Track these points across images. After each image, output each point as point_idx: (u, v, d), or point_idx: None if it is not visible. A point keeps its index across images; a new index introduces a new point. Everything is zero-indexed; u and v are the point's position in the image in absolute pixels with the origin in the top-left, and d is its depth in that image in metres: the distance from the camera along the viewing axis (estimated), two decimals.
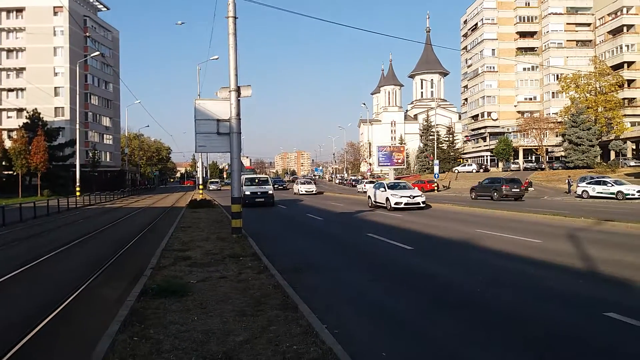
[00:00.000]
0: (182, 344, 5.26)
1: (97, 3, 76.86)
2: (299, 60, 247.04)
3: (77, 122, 47.37)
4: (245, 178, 33.46)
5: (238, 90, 13.90)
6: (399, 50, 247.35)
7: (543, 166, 65.92)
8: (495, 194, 34.24)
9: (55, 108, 64.94)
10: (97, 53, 60.46)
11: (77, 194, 40.60)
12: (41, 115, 53.50)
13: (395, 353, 5.34)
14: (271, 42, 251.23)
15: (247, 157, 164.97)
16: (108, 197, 45.43)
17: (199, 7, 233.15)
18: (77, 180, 44.29)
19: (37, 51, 65.27)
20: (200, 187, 38.97)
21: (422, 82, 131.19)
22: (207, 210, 25.34)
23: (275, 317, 6.10)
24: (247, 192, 30.16)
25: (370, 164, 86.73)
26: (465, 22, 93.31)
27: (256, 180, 33.99)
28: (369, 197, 29.12)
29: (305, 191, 50.43)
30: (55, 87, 65.88)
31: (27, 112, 54.64)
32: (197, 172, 53.60)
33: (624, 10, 71.85)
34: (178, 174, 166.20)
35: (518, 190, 34.09)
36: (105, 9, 79.52)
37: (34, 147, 46.81)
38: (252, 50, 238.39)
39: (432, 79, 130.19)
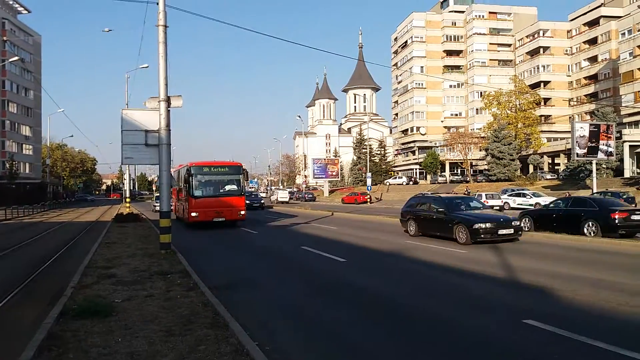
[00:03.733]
0: None
1: (17, 5, 72.48)
2: (234, 71, 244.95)
3: None
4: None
5: (168, 100, 13.54)
6: (333, 64, 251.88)
7: (468, 179, 68.93)
8: None
9: None
10: (16, 58, 56.87)
11: None
12: None
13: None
14: (205, 51, 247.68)
15: (172, 172, 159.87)
16: (27, 211, 42.67)
17: (129, 14, 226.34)
18: None
19: None
20: (127, 200, 37.31)
21: (355, 97, 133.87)
22: (134, 225, 24.36)
23: (205, 336, 5.93)
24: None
25: (305, 176, 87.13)
26: (395, 39, 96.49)
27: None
28: None
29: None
30: None
31: None
32: (124, 184, 51.37)
33: (541, 32, 77.19)
34: (104, 186, 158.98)
35: None
36: (26, 11, 75.19)
37: None
38: (184, 59, 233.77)
39: (364, 94, 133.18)
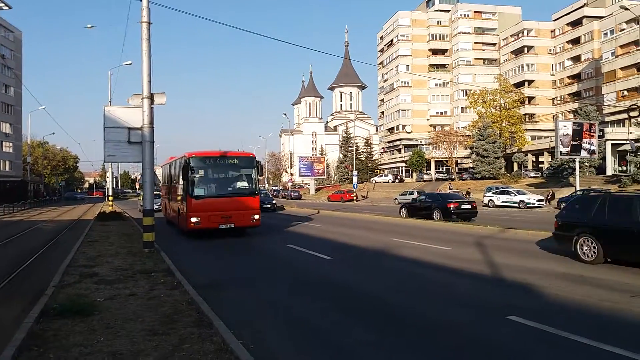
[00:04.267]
0: None
1: None
2: (219, 69, 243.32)
3: None
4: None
5: (151, 97, 13.40)
6: (319, 62, 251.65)
7: (453, 177, 69.43)
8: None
9: None
10: None
11: None
12: None
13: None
14: (190, 49, 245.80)
15: (161, 167, 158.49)
16: (7, 210, 41.98)
17: (112, 10, 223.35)
18: None
19: None
20: (111, 198, 36.86)
21: (341, 95, 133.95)
22: (117, 223, 24.08)
23: (189, 335, 5.88)
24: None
25: (291, 174, 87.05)
26: (381, 37, 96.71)
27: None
28: None
29: None
30: None
31: None
32: (107, 182, 50.82)
33: (525, 32, 77.93)
34: (86, 185, 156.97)
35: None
36: (6, 7, 73.82)
37: None
38: (169, 56, 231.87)
39: (350, 92, 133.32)
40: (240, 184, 18.11)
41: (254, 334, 6.25)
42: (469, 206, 24.32)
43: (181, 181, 17.85)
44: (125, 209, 40.14)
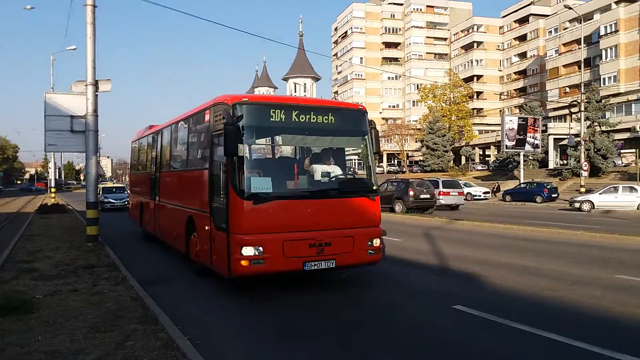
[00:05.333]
0: None
1: None
2: (168, 56, 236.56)
3: None
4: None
5: (96, 84, 12.88)
6: (273, 52, 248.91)
7: (404, 169, 70.73)
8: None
9: None
10: None
11: None
12: None
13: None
14: (136, 34, 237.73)
15: (108, 157, 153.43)
16: None
17: None
18: None
19: None
20: (53, 189, 35.36)
21: (295, 86, 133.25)
22: (59, 216, 23.07)
23: (133, 332, 5.69)
24: None
25: None
26: (336, 29, 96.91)
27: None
28: None
29: None
30: None
31: None
32: (49, 173, 48.74)
33: (475, 28, 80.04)
34: (27, 175, 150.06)
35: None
36: None
37: None
38: (115, 40, 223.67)
39: (305, 83, 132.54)
40: (343, 171, 8.87)
41: (202, 329, 6.12)
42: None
43: (205, 164, 8.72)
44: (69, 201, 38.58)
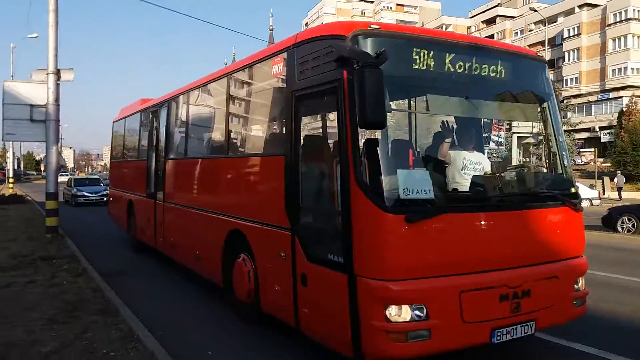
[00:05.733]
0: None
1: None
2: (135, 46, 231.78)
3: None
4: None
5: (58, 73, 12.58)
6: (243, 46, 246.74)
7: None
8: None
9: None
10: None
11: None
12: None
13: (221, 350, 5.30)
14: (103, 22, 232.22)
15: (70, 148, 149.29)
16: None
17: None
18: None
19: None
20: (11, 180, 34.23)
21: None
22: (17, 207, 22.31)
23: (93, 323, 5.61)
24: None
25: None
26: (306, 24, 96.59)
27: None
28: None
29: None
30: None
31: None
32: (7, 163, 47.21)
33: (444, 27, 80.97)
34: None
35: None
36: None
37: None
38: (78, 30, 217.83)
39: None
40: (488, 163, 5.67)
41: (165, 321, 6.09)
42: None
43: (278, 147, 5.43)
44: (28, 192, 37.42)
